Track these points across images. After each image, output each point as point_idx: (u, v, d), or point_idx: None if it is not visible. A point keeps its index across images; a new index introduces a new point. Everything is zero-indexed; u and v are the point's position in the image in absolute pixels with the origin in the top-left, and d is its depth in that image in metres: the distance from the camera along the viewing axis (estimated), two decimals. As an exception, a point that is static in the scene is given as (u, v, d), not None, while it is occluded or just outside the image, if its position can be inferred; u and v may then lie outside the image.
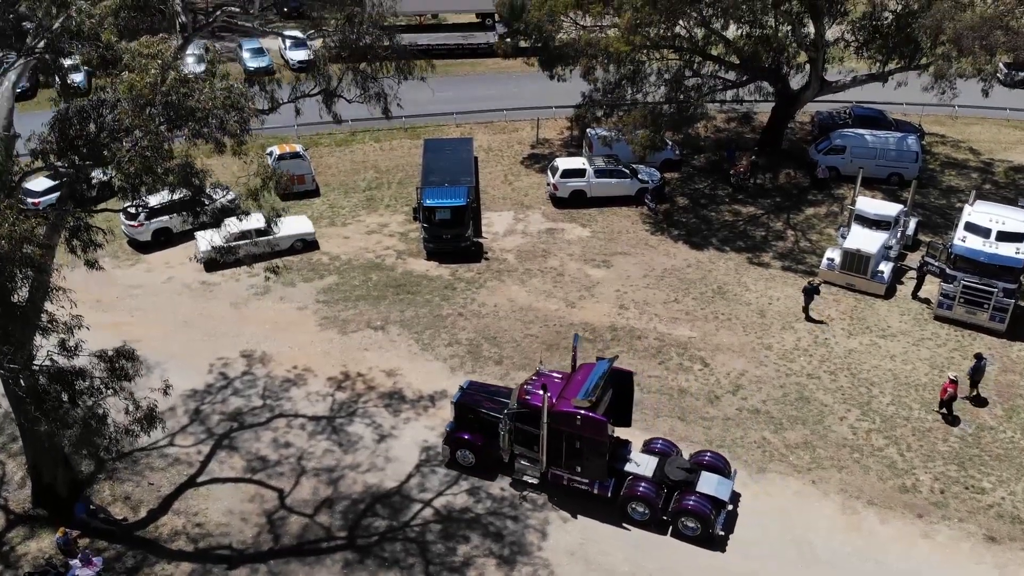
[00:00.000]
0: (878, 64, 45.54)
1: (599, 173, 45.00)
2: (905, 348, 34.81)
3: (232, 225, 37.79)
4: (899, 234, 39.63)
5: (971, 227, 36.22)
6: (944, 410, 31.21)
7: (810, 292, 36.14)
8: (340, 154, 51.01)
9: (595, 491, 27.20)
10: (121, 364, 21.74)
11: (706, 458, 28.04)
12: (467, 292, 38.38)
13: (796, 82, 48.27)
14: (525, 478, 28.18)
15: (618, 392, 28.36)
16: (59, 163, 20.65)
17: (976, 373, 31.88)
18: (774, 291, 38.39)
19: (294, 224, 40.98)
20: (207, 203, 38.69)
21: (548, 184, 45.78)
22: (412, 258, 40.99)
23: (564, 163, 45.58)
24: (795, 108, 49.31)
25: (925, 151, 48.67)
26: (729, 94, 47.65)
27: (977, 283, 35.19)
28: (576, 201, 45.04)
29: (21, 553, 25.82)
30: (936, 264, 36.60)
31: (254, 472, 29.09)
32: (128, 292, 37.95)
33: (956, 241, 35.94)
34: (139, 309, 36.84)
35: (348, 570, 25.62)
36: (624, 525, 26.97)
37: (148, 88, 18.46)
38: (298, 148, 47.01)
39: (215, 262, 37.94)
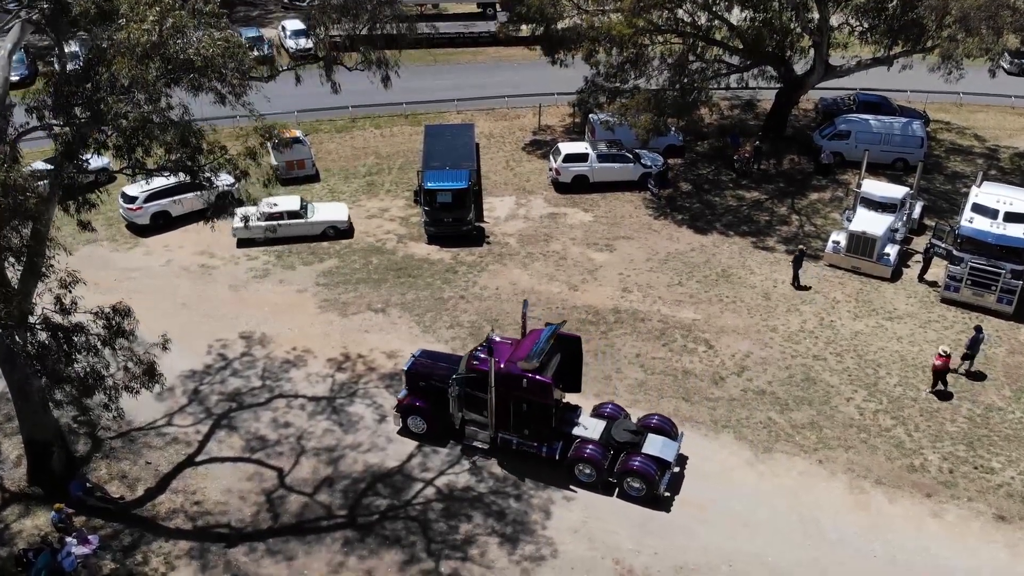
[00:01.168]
0: (883, 48, 45.12)
1: (602, 158, 44.60)
2: (912, 330, 34.41)
3: (266, 204, 38.49)
4: (905, 217, 39.24)
5: (978, 208, 35.83)
6: (937, 386, 31.01)
7: (799, 259, 36.40)
8: (340, 140, 50.63)
9: (543, 454, 27.47)
10: (118, 321, 21.33)
11: (653, 421, 28.21)
12: (469, 275, 37.99)
13: (800, 68, 47.89)
14: (475, 444, 28.41)
15: (566, 357, 28.32)
16: (55, 122, 20.22)
17: (974, 345, 31.51)
18: (779, 274, 37.97)
19: (328, 211, 40.92)
20: (207, 185, 38.59)
21: (550, 169, 45.39)
22: (413, 242, 40.60)
23: (567, 147, 45.18)
24: (799, 93, 48.93)
25: (930, 137, 48.26)
26: (733, 79, 47.23)
27: (984, 265, 34.78)
28: (578, 186, 44.64)
29: (16, 531, 25.41)
30: (943, 246, 36.20)
31: (253, 452, 28.70)
32: (126, 275, 37.54)
33: (963, 222, 35.57)
34: (137, 292, 36.22)
35: (348, 548, 25.22)
36: (617, 498, 26.82)
37: (145, 37, 18.02)
38: (298, 133, 46.62)
39: (250, 240, 38.88)
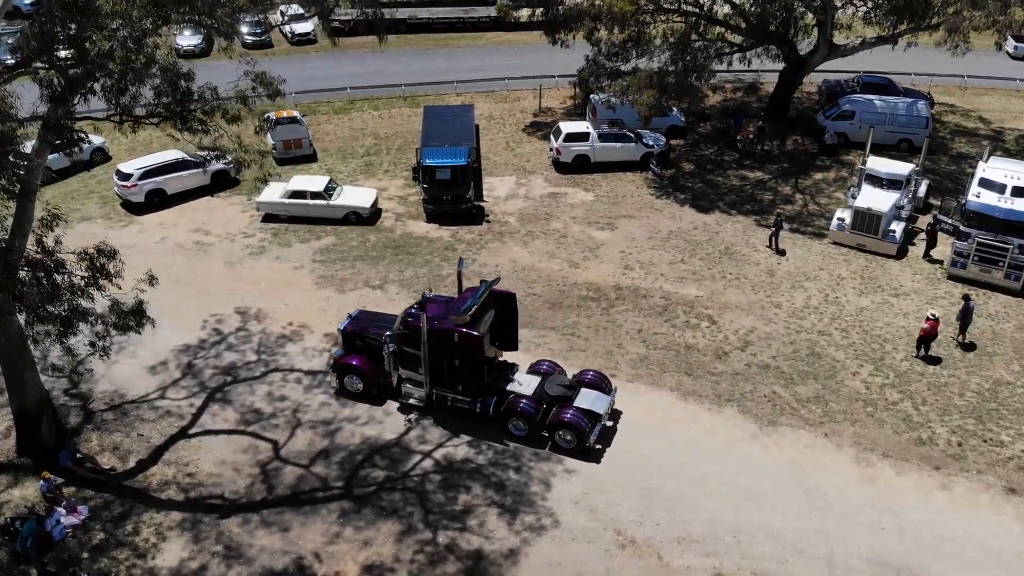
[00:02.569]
0: (887, 27, 44.55)
1: (603, 137, 44.04)
2: (918, 306, 33.82)
3: (297, 182, 38.53)
4: (911, 194, 38.66)
5: (985, 183, 35.32)
6: (921, 351, 30.86)
7: (778, 224, 37.05)
8: (338, 121, 50.09)
9: (477, 409, 27.47)
10: (102, 262, 20.76)
11: (588, 376, 28.19)
12: (468, 253, 37.38)
13: (804, 48, 47.35)
14: (411, 401, 28.31)
15: (502, 315, 28.20)
16: (41, 65, 19.60)
17: (965, 315, 31.04)
18: (783, 251, 37.42)
19: (354, 195, 39.93)
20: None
21: (551, 149, 44.83)
22: (411, 220, 40.05)
23: (568, 127, 44.63)
24: (803, 74, 48.37)
25: (935, 119, 47.70)
26: (736, 59, 46.61)
27: (992, 240, 34.23)
28: (579, 166, 44.09)
29: (4, 501, 24.81)
30: (949, 222, 35.65)
31: (248, 424, 28.12)
32: (120, 252, 36.81)
33: (970, 197, 35.02)
34: (131, 268, 35.14)
35: (345, 519, 24.65)
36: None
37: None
38: (295, 113, 46.12)
39: (274, 216, 38.91)
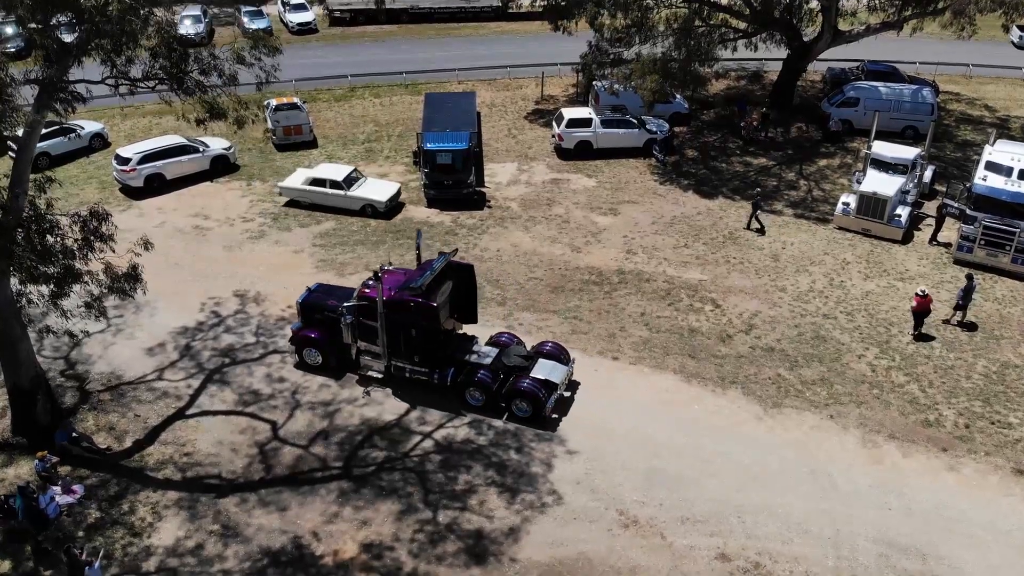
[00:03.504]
0: (892, 12, 44.17)
1: (606, 123, 43.71)
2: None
3: (320, 170, 38.51)
4: (916, 179, 38.27)
5: (992, 166, 34.92)
6: (915, 329, 30.76)
7: (756, 204, 37.08)
8: (339, 108, 49.80)
9: (435, 380, 27.46)
10: (95, 225, 20.41)
11: (546, 347, 28.24)
12: (469, 237, 37.09)
13: (808, 35, 46.99)
14: (370, 373, 28.34)
15: (460, 286, 28.28)
16: (34, 25, 19.23)
17: (967, 295, 30.73)
18: (788, 236, 37.09)
19: (373, 188, 38.93)
20: (201, 149, 37.69)
21: (553, 135, 44.49)
22: (412, 205, 39.74)
23: (570, 112, 44.28)
24: (807, 60, 47.97)
25: (940, 108, 47.31)
26: (741, 46, 46.25)
27: (999, 224, 33.83)
28: (582, 152, 43.76)
29: (-1, 480, 24.56)
30: (956, 206, 35.26)
31: (246, 405, 27.77)
32: (118, 236, 36.43)
33: (977, 180, 34.62)
34: (128, 251, 35.46)
35: (343, 499, 24.30)
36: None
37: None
38: (295, 99, 45.80)
39: (296, 202, 38.66)
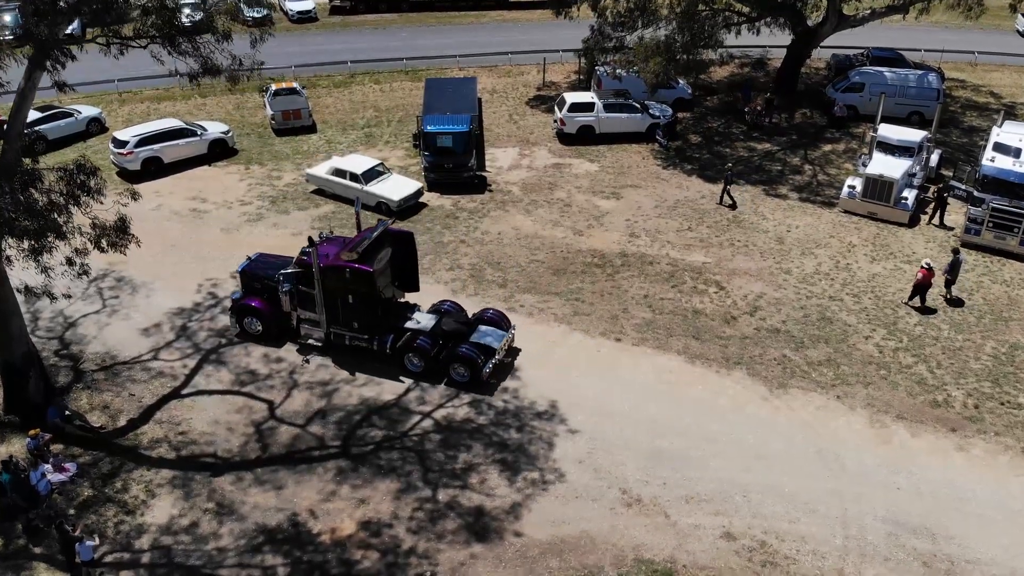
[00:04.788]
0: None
1: (609, 108, 43.18)
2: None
3: (346, 161, 37.91)
4: (923, 162, 37.77)
5: (1000, 147, 34.48)
6: (915, 299, 30.62)
7: (728, 178, 37.47)
8: (339, 94, 49.31)
9: (374, 347, 27.53)
10: (82, 179, 19.91)
11: (487, 314, 28.45)
12: (470, 221, 36.61)
13: (812, 20, 46.48)
14: (310, 341, 28.40)
15: (400, 254, 28.45)
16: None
17: (953, 269, 30.39)
18: (793, 220, 36.61)
19: (390, 186, 37.13)
20: (199, 133, 37.21)
21: (555, 120, 44.00)
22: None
23: (572, 97, 43.77)
24: (812, 45, 47.44)
25: (945, 94, 46.80)
26: (745, 30, 45.69)
27: (1007, 206, 33.34)
28: (584, 137, 43.25)
29: (-10, 458, 24.06)
30: (963, 188, 34.76)
31: (243, 385, 27.33)
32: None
33: (985, 162, 34.13)
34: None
35: (341, 478, 23.84)
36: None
37: None
38: (295, 84, 45.31)
39: (321, 190, 38.22)
